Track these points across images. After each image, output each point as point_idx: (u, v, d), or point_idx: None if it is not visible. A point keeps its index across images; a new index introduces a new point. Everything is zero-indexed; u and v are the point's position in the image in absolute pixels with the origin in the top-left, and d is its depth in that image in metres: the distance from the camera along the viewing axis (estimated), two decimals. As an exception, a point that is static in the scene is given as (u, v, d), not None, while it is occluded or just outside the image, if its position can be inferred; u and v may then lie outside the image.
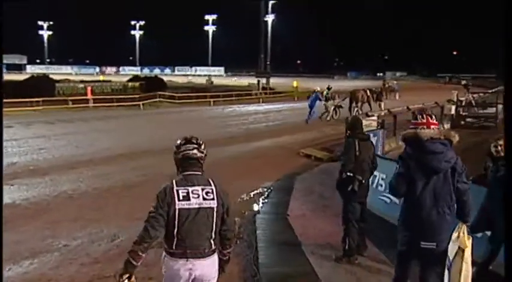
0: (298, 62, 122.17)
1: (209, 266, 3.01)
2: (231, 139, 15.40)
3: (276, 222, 7.21)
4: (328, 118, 21.23)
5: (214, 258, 3.06)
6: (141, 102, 27.77)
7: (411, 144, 3.27)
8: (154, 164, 10.77)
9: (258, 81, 46.32)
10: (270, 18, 53.07)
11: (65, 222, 6.89)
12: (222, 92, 36.71)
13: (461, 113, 19.56)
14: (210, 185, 3.00)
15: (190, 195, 2.91)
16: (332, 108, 21.63)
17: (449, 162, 3.28)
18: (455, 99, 19.91)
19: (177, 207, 2.89)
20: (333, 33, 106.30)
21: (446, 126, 18.00)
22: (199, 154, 3.03)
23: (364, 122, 12.80)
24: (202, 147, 3.07)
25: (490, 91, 29.13)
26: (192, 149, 3.02)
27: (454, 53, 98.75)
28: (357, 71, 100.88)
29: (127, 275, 2.79)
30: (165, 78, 44.44)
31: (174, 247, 2.94)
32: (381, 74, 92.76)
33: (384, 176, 7.25)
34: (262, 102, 35.07)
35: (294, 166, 11.63)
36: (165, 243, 2.99)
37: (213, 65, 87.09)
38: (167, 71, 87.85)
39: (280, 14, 55.81)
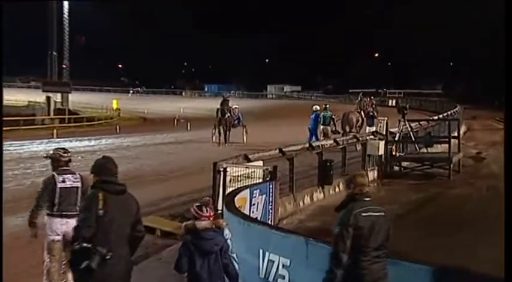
0: (120, 65, 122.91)
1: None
2: (8, 204, 14.77)
3: None
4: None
5: None
6: None
7: (191, 233, 6.62)
8: None
9: (48, 98, 45.26)
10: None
11: None
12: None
13: (394, 152, 21.52)
14: (76, 174, 8.51)
15: (66, 180, 8.37)
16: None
17: (218, 245, 6.63)
18: (383, 131, 21.74)
19: (58, 186, 8.31)
20: (180, 24, 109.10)
21: (371, 174, 19.58)
22: (66, 158, 8.52)
23: (243, 170, 13.58)
24: (67, 153, 8.65)
25: (435, 117, 32.21)
26: (62, 155, 8.51)
27: (376, 55, 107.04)
28: (221, 83, 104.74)
29: (32, 228, 8.58)
30: None
31: (55, 210, 8.34)
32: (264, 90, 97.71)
33: (287, 262, 7.67)
34: (57, 136, 34.43)
35: (127, 249, 11.65)
36: (48, 210, 8.38)
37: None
38: None
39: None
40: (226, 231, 9.10)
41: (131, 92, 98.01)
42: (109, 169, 6.40)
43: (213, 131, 30.55)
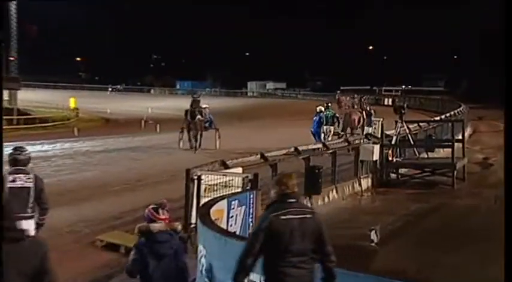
0: (78, 59, 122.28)
1: (28, 224, 8.80)
2: None
3: None
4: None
5: (31, 221, 9.37)
6: None
7: (145, 235, 7.38)
8: None
9: (-6, 95, 44.97)
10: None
11: None
12: None
13: (390, 158, 21.46)
14: (30, 174, 9.63)
15: (17, 179, 9.44)
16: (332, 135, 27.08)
17: (173, 248, 7.40)
18: (378, 134, 21.74)
19: (7, 185, 9.13)
20: (148, 12, 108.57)
21: (365, 182, 19.60)
22: (22, 157, 9.63)
23: (220, 178, 13.50)
24: (25, 152, 9.82)
25: (437, 118, 32.42)
26: (18, 155, 9.61)
27: (370, 47, 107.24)
28: (195, 80, 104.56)
29: None
30: None
31: None
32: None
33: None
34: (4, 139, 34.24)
35: (85, 271, 11.69)
36: None
37: None
38: None
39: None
40: (201, 248, 9.10)
41: (110, 90, 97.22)
42: (6, 211, 6.22)
43: (180, 135, 29.99)
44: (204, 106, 30.95)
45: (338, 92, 41.59)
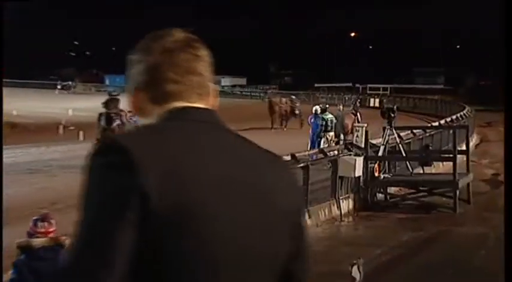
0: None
1: None
2: None
3: None
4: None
5: None
6: None
7: (25, 252, 7.76)
8: None
9: None
10: None
11: None
12: None
13: (377, 174, 21.60)
14: None
15: None
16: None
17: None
18: (362, 144, 21.81)
19: None
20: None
21: (345, 204, 19.59)
22: None
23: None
24: None
25: (435, 123, 32.92)
26: None
27: (353, 34, 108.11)
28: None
29: None
30: None
31: None
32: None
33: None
34: None
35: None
36: None
37: None
38: None
39: None
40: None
41: (58, 87, 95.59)
42: None
43: None
44: (128, 110, 29.14)
45: (270, 91, 41.00)
